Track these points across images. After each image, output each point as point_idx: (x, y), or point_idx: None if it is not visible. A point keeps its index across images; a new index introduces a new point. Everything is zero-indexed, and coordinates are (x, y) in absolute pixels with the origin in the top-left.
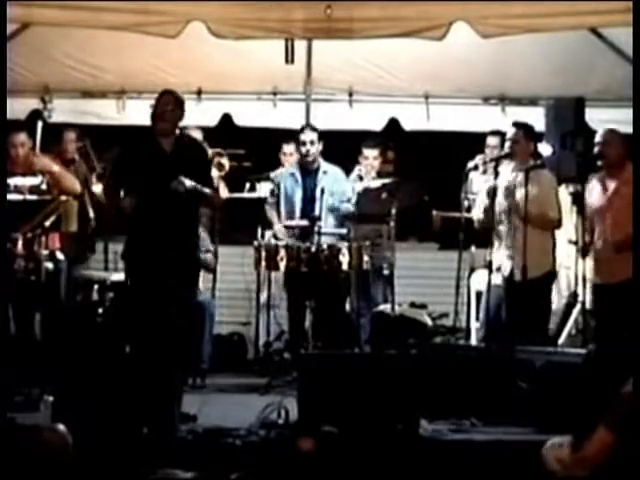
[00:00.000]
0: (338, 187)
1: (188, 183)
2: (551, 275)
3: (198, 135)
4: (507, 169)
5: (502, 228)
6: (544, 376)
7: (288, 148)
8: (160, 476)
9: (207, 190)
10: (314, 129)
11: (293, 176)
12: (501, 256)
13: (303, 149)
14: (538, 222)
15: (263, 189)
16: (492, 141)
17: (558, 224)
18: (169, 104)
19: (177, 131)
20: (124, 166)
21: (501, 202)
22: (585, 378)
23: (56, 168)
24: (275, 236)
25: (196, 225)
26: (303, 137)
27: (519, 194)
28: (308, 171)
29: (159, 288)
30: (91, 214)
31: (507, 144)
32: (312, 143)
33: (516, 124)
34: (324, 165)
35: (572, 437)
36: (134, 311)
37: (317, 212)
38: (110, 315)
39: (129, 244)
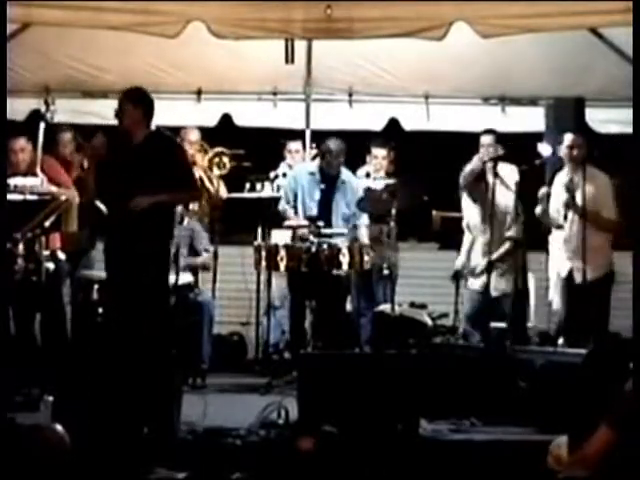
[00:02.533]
0: (354, 198)
1: (146, 201)
2: (610, 276)
3: (195, 135)
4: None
5: (558, 231)
6: (544, 376)
7: (294, 145)
8: (160, 476)
9: (176, 195)
10: (341, 144)
11: (313, 176)
12: (559, 258)
13: (327, 161)
14: (595, 223)
15: (267, 188)
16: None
17: (613, 225)
18: (121, 106)
19: (151, 128)
20: (103, 167)
21: (559, 205)
22: (585, 378)
23: (54, 189)
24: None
25: (164, 226)
26: (330, 148)
27: (577, 196)
28: (329, 175)
29: (129, 286)
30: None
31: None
32: (338, 156)
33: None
34: (344, 173)
35: (568, 437)
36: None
37: (332, 219)
38: (110, 315)
39: (105, 242)
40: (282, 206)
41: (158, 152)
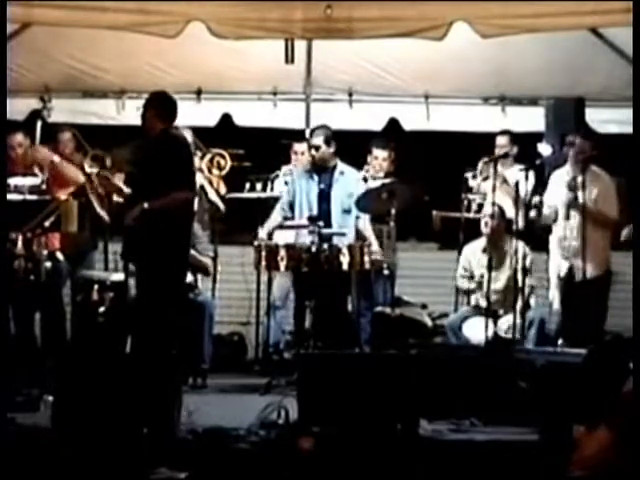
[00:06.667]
0: (356, 189)
1: (137, 212)
2: (608, 274)
3: (187, 135)
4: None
5: (557, 229)
6: (544, 376)
7: (300, 147)
8: (161, 476)
9: (168, 200)
10: (324, 132)
11: (309, 174)
12: (558, 258)
13: (309, 153)
14: (597, 221)
15: (275, 188)
16: (501, 140)
17: (614, 224)
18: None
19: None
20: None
21: (558, 204)
22: (585, 378)
23: (56, 158)
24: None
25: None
26: (311, 142)
27: (579, 196)
28: (323, 170)
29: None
30: (101, 212)
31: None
32: (317, 149)
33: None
34: (341, 165)
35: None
36: (133, 311)
37: (331, 212)
38: (110, 315)
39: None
40: (277, 208)
41: (159, 152)
